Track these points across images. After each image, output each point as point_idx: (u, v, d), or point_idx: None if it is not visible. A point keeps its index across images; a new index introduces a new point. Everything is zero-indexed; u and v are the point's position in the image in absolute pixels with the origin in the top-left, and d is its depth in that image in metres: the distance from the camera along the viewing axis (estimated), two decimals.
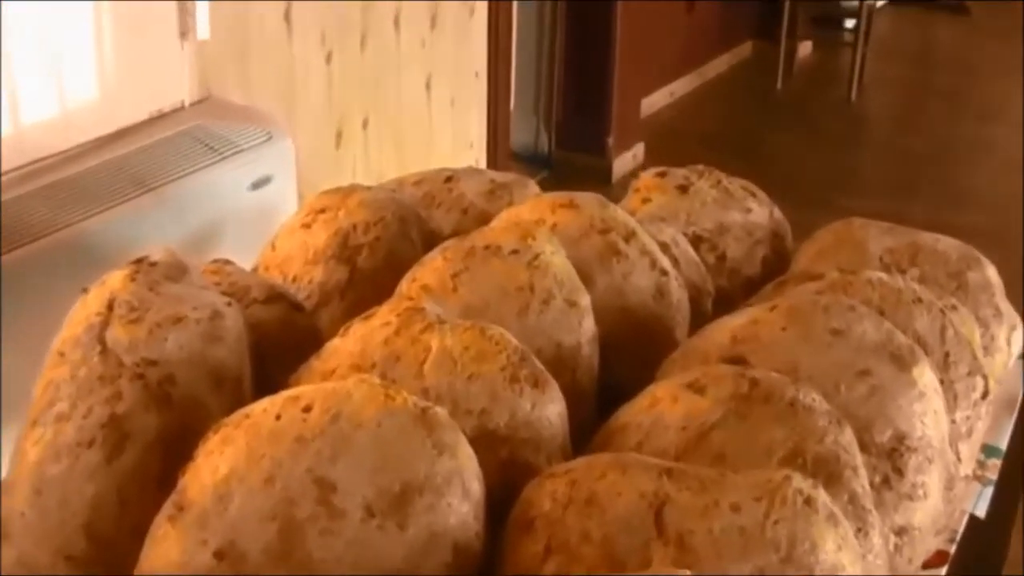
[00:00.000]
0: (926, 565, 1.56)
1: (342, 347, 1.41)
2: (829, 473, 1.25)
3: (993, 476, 1.76)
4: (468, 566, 1.19)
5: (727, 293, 1.86)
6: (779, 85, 8.19)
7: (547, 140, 6.40)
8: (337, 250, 1.73)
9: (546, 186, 1.97)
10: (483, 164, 4.79)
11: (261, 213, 3.02)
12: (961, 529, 1.64)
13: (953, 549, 1.61)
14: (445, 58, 4.50)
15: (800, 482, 1.15)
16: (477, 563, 1.21)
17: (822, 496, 1.16)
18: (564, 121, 6.37)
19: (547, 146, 6.40)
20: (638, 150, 6.51)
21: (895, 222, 1.98)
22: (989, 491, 1.73)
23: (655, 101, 7.42)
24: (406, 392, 1.23)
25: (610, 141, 6.26)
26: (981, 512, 1.69)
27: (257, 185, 3.13)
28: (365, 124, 4.12)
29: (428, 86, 4.43)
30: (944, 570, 1.57)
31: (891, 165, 7.10)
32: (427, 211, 1.89)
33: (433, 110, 4.50)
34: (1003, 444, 1.83)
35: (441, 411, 1.22)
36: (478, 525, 1.21)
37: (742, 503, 1.13)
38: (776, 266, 1.95)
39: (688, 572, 1.04)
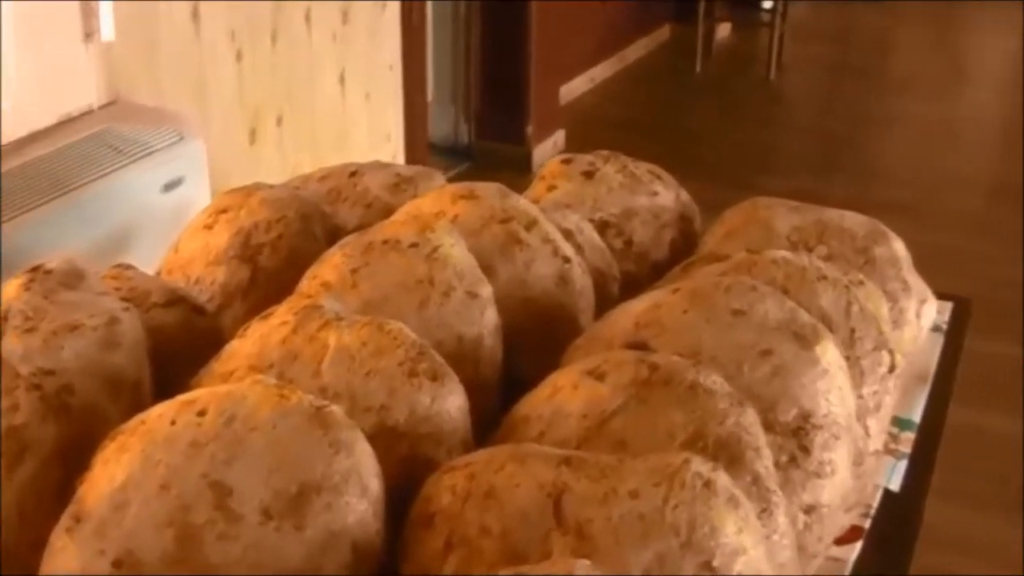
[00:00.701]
0: (840, 541, 1.55)
1: (240, 348, 1.39)
2: (731, 455, 1.25)
3: (906, 449, 1.76)
4: (368, 565, 1.18)
5: (635, 278, 1.85)
6: (698, 67, 8.22)
7: (467, 131, 6.39)
8: (239, 250, 1.71)
9: (467, 177, 1.97)
10: (401, 157, 4.77)
11: (174, 214, 2.99)
12: (876, 504, 1.65)
13: (868, 524, 1.61)
14: (358, 52, 4.48)
15: (699, 465, 1.15)
16: (378, 561, 1.19)
17: (722, 478, 1.15)
18: (483, 111, 6.35)
19: (467, 137, 6.38)
20: (559, 137, 6.51)
21: (816, 200, 1.97)
22: (903, 465, 1.73)
23: (575, 87, 7.42)
24: (301, 392, 1.22)
25: (529, 130, 6.26)
26: (895, 486, 1.69)
27: (169, 187, 3.10)
28: (279, 121, 4.09)
29: (342, 81, 4.41)
30: (859, 545, 1.57)
31: (811, 143, 7.15)
32: (332, 207, 1.87)
33: (348, 104, 4.47)
34: (916, 417, 1.83)
35: (337, 409, 1.21)
36: (378, 523, 1.19)
37: (641, 489, 1.13)
38: (684, 249, 1.94)
39: (587, 563, 1.02)
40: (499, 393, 1.52)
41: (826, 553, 1.49)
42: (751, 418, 1.29)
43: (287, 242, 1.71)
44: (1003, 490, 3.78)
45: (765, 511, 1.24)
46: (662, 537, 1.10)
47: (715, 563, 1.10)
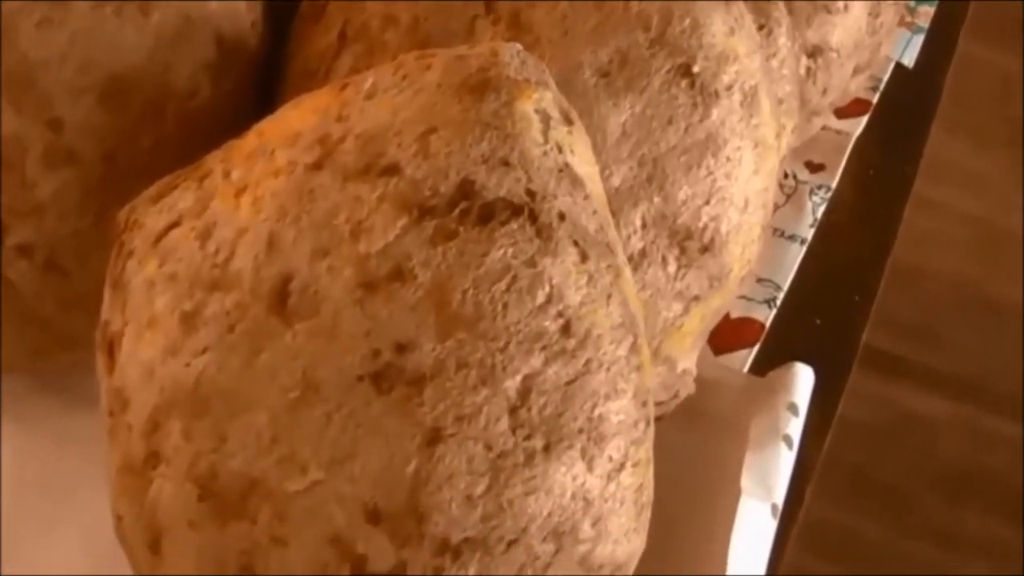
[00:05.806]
0: (841, 114, 1.30)
1: None
2: None
3: (924, 24, 1.48)
4: (238, 64, 0.89)
5: None
6: None
7: None
8: None
9: None
10: None
11: None
12: (886, 77, 1.39)
13: (876, 98, 1.35)
14: None
15: None
16: (253, 62, 0.91)
17: None
18: None
19: None
20: None
21: None
22: (919, 39, 1.46)
23: None
24: None
25: None
26: (909, 61, 1.42)
27: None
28: None
29: None
30: (864, 120, 1.31)
31: None
32: None
33: None
34: None
35: None
36: (253, 14, 0.89)
37: None
38: None
39: (518, 45, 0.73)
40: None
41: (827, 118, 1.22)
42: None
43: None
44: (1007, 128, 3.52)
45: (764, 28, 0.95)
46: (626, 30, 0.80)
47: (696, 67, 0.81)
